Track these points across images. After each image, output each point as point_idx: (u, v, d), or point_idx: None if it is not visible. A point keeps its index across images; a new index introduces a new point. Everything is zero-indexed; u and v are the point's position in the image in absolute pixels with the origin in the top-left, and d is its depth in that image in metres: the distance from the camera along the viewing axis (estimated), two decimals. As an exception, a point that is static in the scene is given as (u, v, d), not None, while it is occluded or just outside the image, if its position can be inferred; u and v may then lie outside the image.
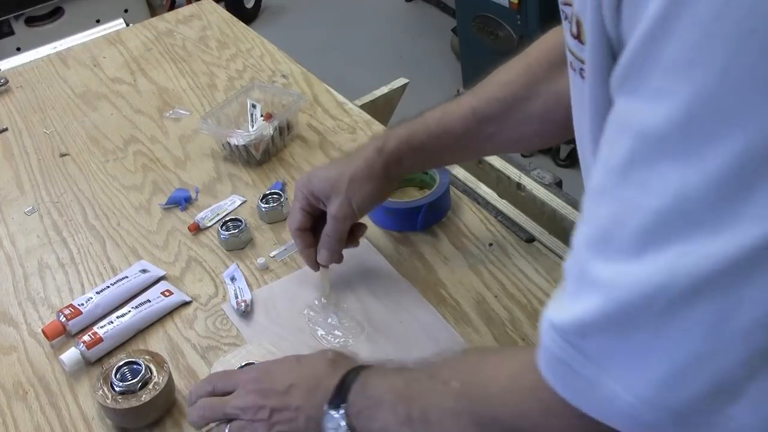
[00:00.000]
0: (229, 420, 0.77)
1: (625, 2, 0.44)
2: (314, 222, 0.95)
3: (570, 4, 0.53)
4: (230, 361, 0.89)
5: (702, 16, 0.38)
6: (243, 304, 0.97)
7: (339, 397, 0.70)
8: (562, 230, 1.12)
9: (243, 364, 0.87)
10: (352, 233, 0.96)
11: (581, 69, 0.53)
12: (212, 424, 0.80)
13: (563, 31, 0.57)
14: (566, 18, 0.55)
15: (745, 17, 0.38)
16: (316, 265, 0.96)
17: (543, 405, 0.55)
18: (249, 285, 1.02)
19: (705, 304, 0.43)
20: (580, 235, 0.49)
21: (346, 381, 0.71)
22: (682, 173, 0.41)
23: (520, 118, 0.87)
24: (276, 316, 0.97)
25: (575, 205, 1.16)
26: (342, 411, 0.69)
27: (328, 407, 0.70)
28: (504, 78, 0.89)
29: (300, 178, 0.95)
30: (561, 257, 1.02)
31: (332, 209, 0.91)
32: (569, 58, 0.56)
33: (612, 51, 0.47)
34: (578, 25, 0.51)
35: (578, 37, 0.52)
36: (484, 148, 0.97)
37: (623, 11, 0.45)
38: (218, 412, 0.78)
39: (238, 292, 1.00)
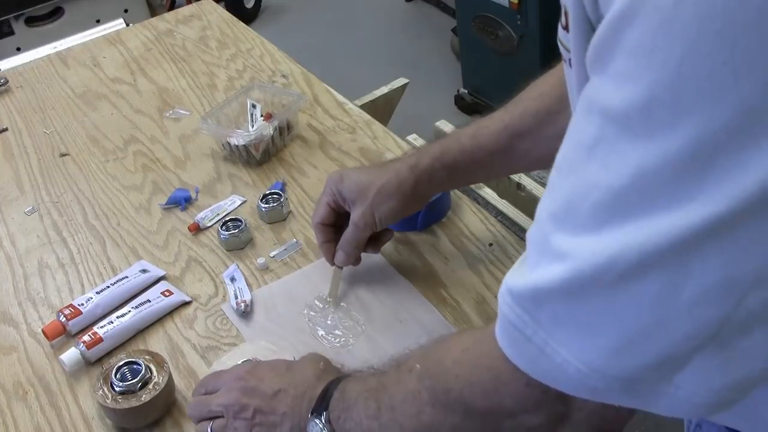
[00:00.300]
0: (213, 418, 0.78)
1: None
2: (337, 218, 0.96)
3: None
4: (226, 362, 0.89)
5: (664, 3, 0.39)
6: (243, 304, 0.97)
7: (322, 405, 0.72)
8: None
9: (240, 363, 0.87)
10: (377, 239, 0.97)
11: (570, 59, 0.54)
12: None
13: None
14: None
15: (703, 6, 0.38)
16: (332, 260, 0.97)
17: (493, 373, 0.57)
18: (249, 285, 1.02)
19: (653, 277, 0.44)
20: (543, 206, 0.50)
21: (329, 390, 0.73)
22: (642, 153, 0.42)
23: (553, 132, 0.85)
24: (276, 316, 0.97)
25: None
26: (324, 418, 0.71)
27: (312, 415, 0.72)
28: (537, 91, 0.88)
29: (332, 174, 0.95)
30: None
31: (355, 216, 0.92)
32: (560, 48, 0.57)
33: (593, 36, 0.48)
34: (566, 14, 0.52)
35: (566, 27, 0.53)
36: (518, 165, 0.96)
37: None
38: (204, 410, 0.79)
39: (237, 293, 1.00)
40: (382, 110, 1.52)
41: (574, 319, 0.48)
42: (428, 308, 0.95)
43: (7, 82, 1.56)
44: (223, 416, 0.78)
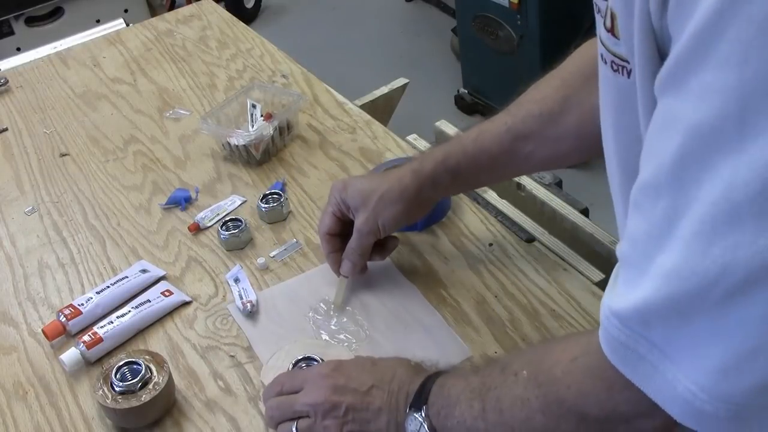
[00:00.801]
0: (296, 419, 0.76)
1: (672, 2, 0.45)
2: (343, 227, 0.95)
3: None
4: (277, 365, 0.87)
5: (756, 14, 0.40)
6: (248, 304, 0.97)
7: (420, 399, 0.72)
8: (562, 230, 1.12)
9: (297, 360, 0.86)
10: (383, 246, 0.97)
11: (612, 61, 0.54)
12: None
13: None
14: (599, 11, 0.55)
15: None
16: (338, 270, 0.97)
17: (606, 383, 0.57)
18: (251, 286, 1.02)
19: (759, 295, 0.44)
20: (637, 226, 0.50)
21: (426, 384, 0.73)
22: (733, 168, 0.42)
23: (556, 134, 0.85)
24: (279, 319, 0.97)
25: (575, 205, 1.16)
26: (423, 413, 0.71)
27: (411, 410, 0.72)
28: (539, 94, 0.87)
29: (336, 183, 0.95)
30: (561, 257, 1.02)
31: (358, 223, 0.92)
32: (600, 49, 0.57)
33: (656, 44, 0.48)
34: (612, 18, 0.52)
35: (612, 30, 0.53)
36: (522, 168, 0.95)
37: (669, 6, 0.45)
38: (288, 410, 0.77)
39: (242, 293, 1.00)
40: (382, 110, 1.52)
41: (684, 336, 0.48)
42: (432, 313, 0.95)
43: (7, 82, 1.56)
44: (308, 416, 0.76)
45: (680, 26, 0.44)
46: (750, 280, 0.44)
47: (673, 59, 0.45)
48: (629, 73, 0.53)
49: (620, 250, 0.53)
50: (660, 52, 0.48)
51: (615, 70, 0.55)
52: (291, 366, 0.86)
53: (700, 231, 0.45)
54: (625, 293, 0.52)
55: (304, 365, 0.86)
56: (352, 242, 0.94)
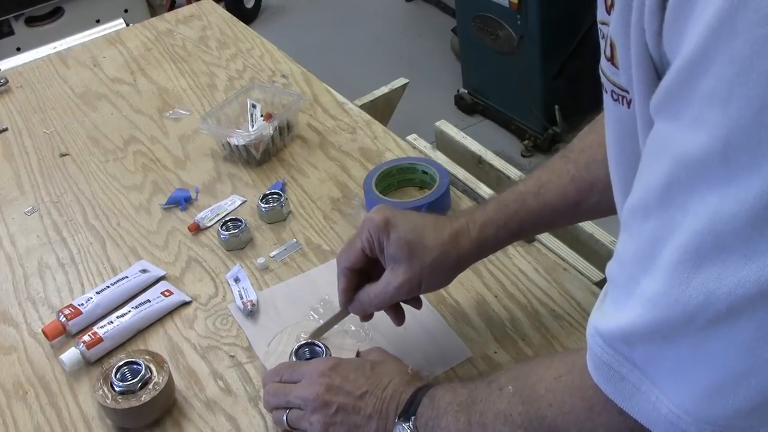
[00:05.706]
0: (289, 408, 0.79)
1: (666, 29, 0.45)
2: (368, 262, 0.84)
3: (606, 24, 0.53)
4: (279, 349, 0.88)
5: (739, 53, 0.40)
6: (249, 304, 0.97)
7: (410, 410, 0.73)
8: (562, 230, 1.12)
9: (299, 346, 0.86)
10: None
11: (612, 91, 0.54)
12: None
13: None
14: (603, 37, 0.55)
15: None
16: (346, 305, 0.86)
17: (586, 403, 0.58)
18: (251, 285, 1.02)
19: (743, 323, 0.44)
20: (625, 247, 0.51)
21: (417, 395, 0.74)
22: (719, 199, 0.43)
23: None
24: (279, 319, 0.97)
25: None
26: (411, 423, 0.72)
27: (399, 419, 0.73)
28: (597, 136, 0.81)
29: (375, 217, 0.81)
30: (561, 257, 1.02)
31: (398, 279, 0.80)
32: (601, 77, 0.57)
33: (656, 73, 0.49)
34: (612, 47, 0.52)
35: (612, 59, 0.53)
36: (582, 218, 0.91)
37: (664, 36, 0.46)
38: (282, 399, 0.80)
39: (243, 293, 1.00)
40: (382, 110, 1.52)
41: (667, 359, 0.49)
42: (434, 315, 0.95)
43: (7, 82, 1.56)
44: (300, 408, 0.78)
45: (673, 55, 0.44)
46: (733, 309, 0.44)
47: (664, 86, 0.45)
48: (629, 104, 0.53)
49: (609, 269, 0.54)
50: (661, 79, 0.48)
51: (615, 100, 0.55)
52: (293, 352, 0.86)
53: (685, 260, 0.45)
54: (610, 313, 0.52)
55: (307, 350, 0.87)
56: (380, 294, 0.82)
